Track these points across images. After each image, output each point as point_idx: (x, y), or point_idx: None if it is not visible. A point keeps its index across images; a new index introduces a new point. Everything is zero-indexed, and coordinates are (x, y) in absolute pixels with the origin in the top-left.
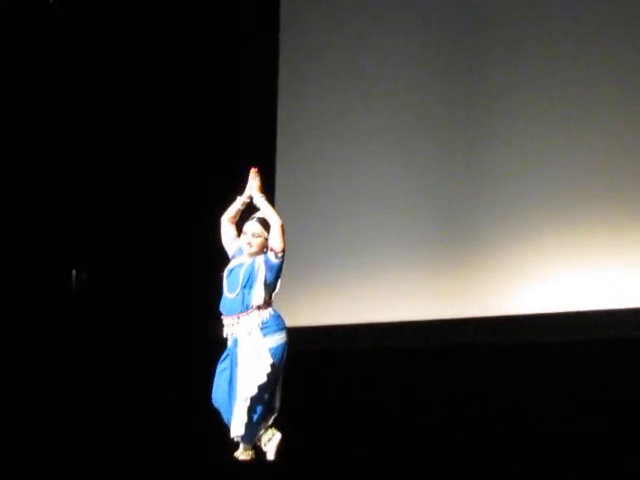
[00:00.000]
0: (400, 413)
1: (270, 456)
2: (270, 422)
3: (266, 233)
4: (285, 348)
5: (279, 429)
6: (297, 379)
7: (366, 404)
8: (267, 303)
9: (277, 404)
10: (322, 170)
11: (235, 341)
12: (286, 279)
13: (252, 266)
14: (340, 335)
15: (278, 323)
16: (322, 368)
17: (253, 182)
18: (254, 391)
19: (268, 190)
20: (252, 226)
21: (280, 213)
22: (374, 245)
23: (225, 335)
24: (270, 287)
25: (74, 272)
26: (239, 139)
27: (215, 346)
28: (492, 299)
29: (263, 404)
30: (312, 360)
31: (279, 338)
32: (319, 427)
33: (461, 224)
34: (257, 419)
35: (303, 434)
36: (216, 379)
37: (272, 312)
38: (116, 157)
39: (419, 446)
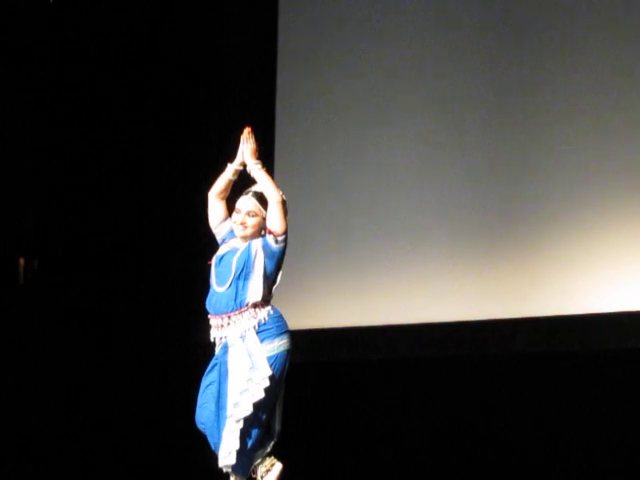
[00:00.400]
0: (432, 437)
1: None
2: (268, 449)
3: (264, 211)
4: (287, 357)
5: (279, 458)
6: (303, 394)
7: (388, 427)
8: (265, 300)
9: (277, 427)
10: (332, 149)
11: (225, 347)
12: (288, 272)
13: (248, 252)
14: (357, 340)
15: (279, 325)
16: (334, 380)
17: (246, 146)
18: (248, 411)
19: (267, 157)
20: (246, 202)
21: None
22: (396, 236)
23: (212, 339)
24: (269, 279)
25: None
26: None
27: (199, 353)
28: (547, 298)
29: (259, 427)
30: (322, 371)
31: (280, 344)
32: (328, 455)
33: (507, 212)
34: (252, 446)
35: (309, 464)
36: (200, 396)
37: (271, 311)
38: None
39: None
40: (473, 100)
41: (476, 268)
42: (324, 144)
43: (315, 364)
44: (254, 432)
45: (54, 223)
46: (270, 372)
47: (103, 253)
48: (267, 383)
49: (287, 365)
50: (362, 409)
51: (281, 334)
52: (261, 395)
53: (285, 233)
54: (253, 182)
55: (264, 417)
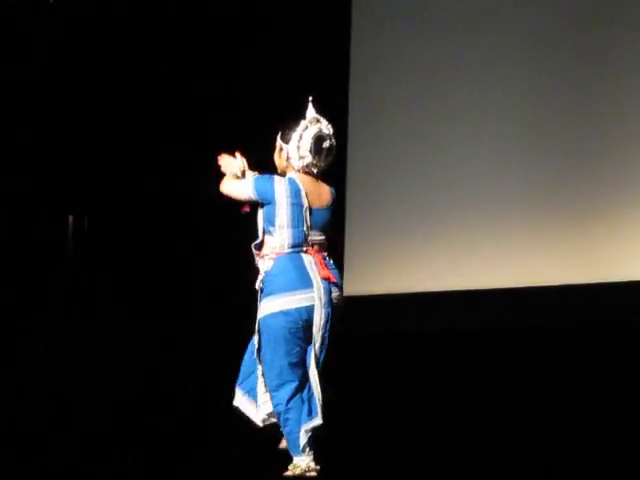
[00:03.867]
0: (495, 409)
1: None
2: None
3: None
4: (272, 322)
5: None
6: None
7: (447, 396)
8: (274, 249)
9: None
10: (404, 117)
11: None
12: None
13: None
14: (416, 307)
15: (269, 283)
16: (392, 351)
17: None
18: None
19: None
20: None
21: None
22: (461, 198)
23: None
24: (267, 225)
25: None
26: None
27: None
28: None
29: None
30: (377, 341)
31: (265, 306)
32: (378, 423)
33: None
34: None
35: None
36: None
37: (271, 266)
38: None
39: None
40: (543, 64)
41: (549, 232)
42: (397, 110)
43: (371, 332)
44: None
45: (105, 181)
46: (256, 337)
47: (154, 212)
48: (254, 347)
49: (277, 334)
50: (422, 378)
51: (267, 295)
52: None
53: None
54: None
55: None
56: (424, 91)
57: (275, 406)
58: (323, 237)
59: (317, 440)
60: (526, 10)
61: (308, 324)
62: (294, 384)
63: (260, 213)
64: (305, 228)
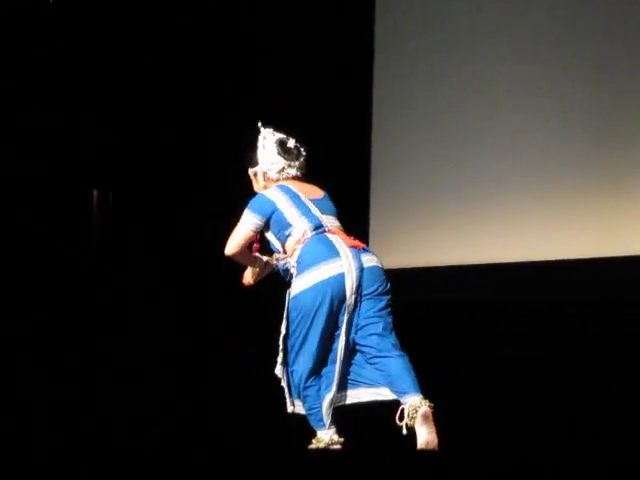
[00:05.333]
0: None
1: None
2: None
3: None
4: (305, 301)
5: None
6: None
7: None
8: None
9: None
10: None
11: None
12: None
13: None
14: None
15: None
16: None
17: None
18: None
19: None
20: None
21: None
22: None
23: None
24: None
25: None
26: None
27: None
28: None
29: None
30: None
31: (297, 285)
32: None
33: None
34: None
35: None
36: None
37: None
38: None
39: None
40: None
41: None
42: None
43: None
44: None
45: (130, 156)
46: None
47: (178, 187)
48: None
49: (307, 307)
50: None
51: (297, 275)
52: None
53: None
54: None
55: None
56: (450, 69)
57: (295, 382)
58: (338, 222)
59: (342, 411)
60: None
61: (340, 293)
62: (314, 361)
63: (270, 234)
64: (316, 212)
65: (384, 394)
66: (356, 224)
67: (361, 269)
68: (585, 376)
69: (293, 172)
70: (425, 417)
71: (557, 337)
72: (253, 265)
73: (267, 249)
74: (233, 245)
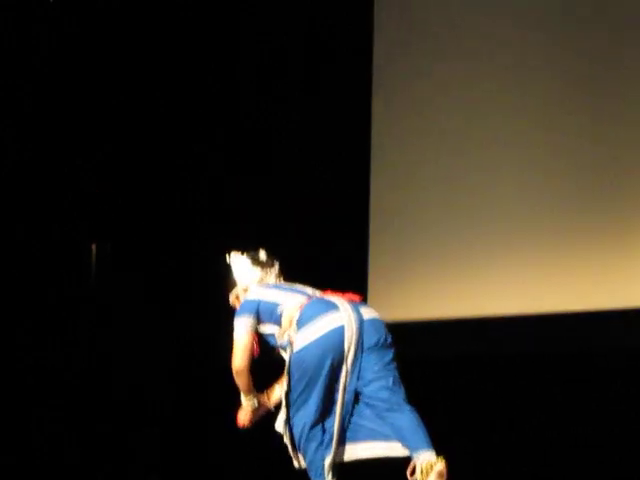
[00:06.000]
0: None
1: None
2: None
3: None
4: (306, 357)
5: None
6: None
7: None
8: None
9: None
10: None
11: None
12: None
13: None
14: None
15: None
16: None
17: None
18: None
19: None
20: None
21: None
22: (497, 225)
23: None
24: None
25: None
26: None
27: None
28: None
29: None
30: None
31: (298, 341)
32: None
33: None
34: None
35: None
36: None
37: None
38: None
39: None
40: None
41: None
42: (422, 142)
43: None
44: None
45: (129, 208)
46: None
47: (177, 238)
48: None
49: (308, 363)
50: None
51: (298, 330)
52: None
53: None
54: None
55: None
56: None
57: (297, 437)
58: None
59: (346, 465)
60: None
61: (340, 347)
62: (315, 415)
63: (263, 325)
64: (301, 287)
65: (395, 449)
66: (354, 279)
67: (361, 321)
68: (589, 429)
69: (272, 279)
70: (440, 475)
71: (559, 391)
72: (250, 392)
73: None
74: (239, 358)
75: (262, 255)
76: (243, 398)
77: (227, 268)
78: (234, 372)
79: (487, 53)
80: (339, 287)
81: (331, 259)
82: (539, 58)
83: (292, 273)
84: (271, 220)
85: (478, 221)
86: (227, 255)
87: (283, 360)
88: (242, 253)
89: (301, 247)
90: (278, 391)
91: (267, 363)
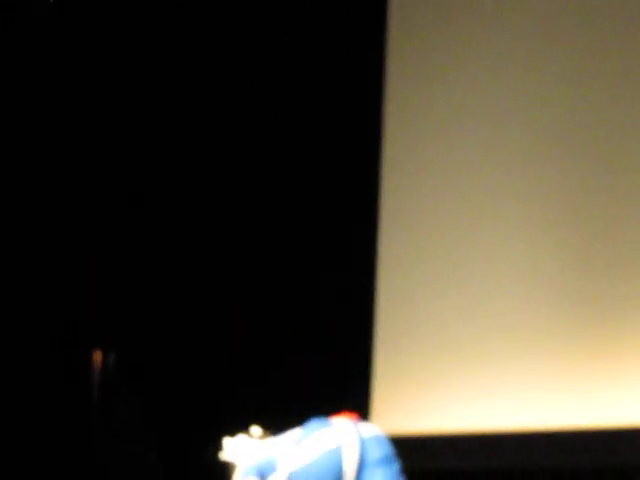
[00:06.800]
0: None
1: None
2: None
3: None
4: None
5: None
6: None
7: None
8: None
9: None
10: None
11: None
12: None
13: None
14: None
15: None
16: None
17: None
18: None
19: None
20: None
21: None
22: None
23: None
24: None
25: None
26: None
27: None
28: None
29: None
30: None
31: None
32: None
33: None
34: None
35: None
36: None
37: None
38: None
39: None
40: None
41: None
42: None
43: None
44: None
45: (134, 316)
46: None
47: (185, 348)
48: None
49: None
50: None
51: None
52: None
53: None
54: None
55: None
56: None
57: None
58: None
59: None
60: None
61: (338, 466)
62: None
63: None
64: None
65: None
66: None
67: (361, 439)
68: None
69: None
70: None
71: None
72: None
73: None
74: None
75: (256, 431)
76: None
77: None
78: None
79: None
80: (342, 401)
81: (333, 372)
82: None
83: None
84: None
85: (487, 332)
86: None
87: None
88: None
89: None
90: None
91: None
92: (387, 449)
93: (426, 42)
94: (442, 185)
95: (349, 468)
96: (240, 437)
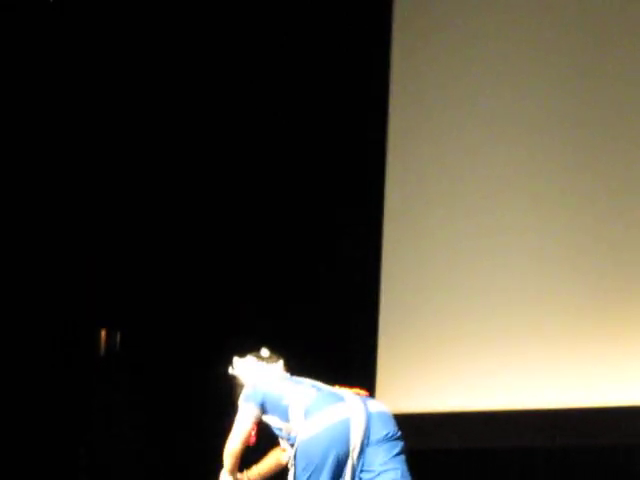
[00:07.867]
0: None
1: None
2: None
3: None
4: (312, 447)
5: None
6: None
7: None
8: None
9: None
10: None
11: None
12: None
13: None
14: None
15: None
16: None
17: None
18: None
19: None
20: None
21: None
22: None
23: None
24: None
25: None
26: None
27: None
28: None
29: None
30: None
31: (304, 432)
32: None
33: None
34: None
35: None
36: None
37: None
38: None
39: None
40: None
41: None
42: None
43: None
44: None
45: (139, 295)
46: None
47: (187, 327)
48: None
49: (314, 454)
50: None
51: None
52: None
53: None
54: None
55: None
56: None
57: None
58: None
59: None
60: None
61: (346, 438)
62: None
63: (268, 417)
64: (309, 381)
65: None
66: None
67: (368, 414)
68: None
69: (278, 375)
70: None
71: None
72: (233, 474)
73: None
74: (236, 441)
75: (265, 352)
76: (224, 476)
77: (232, 378)
78: (226, 452)
79: None
80: (347, 380)
81: (340, 351)
82: None
83: (300, 367)
84: (277, 314)
85: (492, 313)
86: (230, 366)
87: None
88: (244, 355)
89: (310, 339)
90: (266, 465)
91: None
92: (392, 427)
93: (430, 41)
94: (445, 177)
95: (355, 442)
96: (249, 357)
